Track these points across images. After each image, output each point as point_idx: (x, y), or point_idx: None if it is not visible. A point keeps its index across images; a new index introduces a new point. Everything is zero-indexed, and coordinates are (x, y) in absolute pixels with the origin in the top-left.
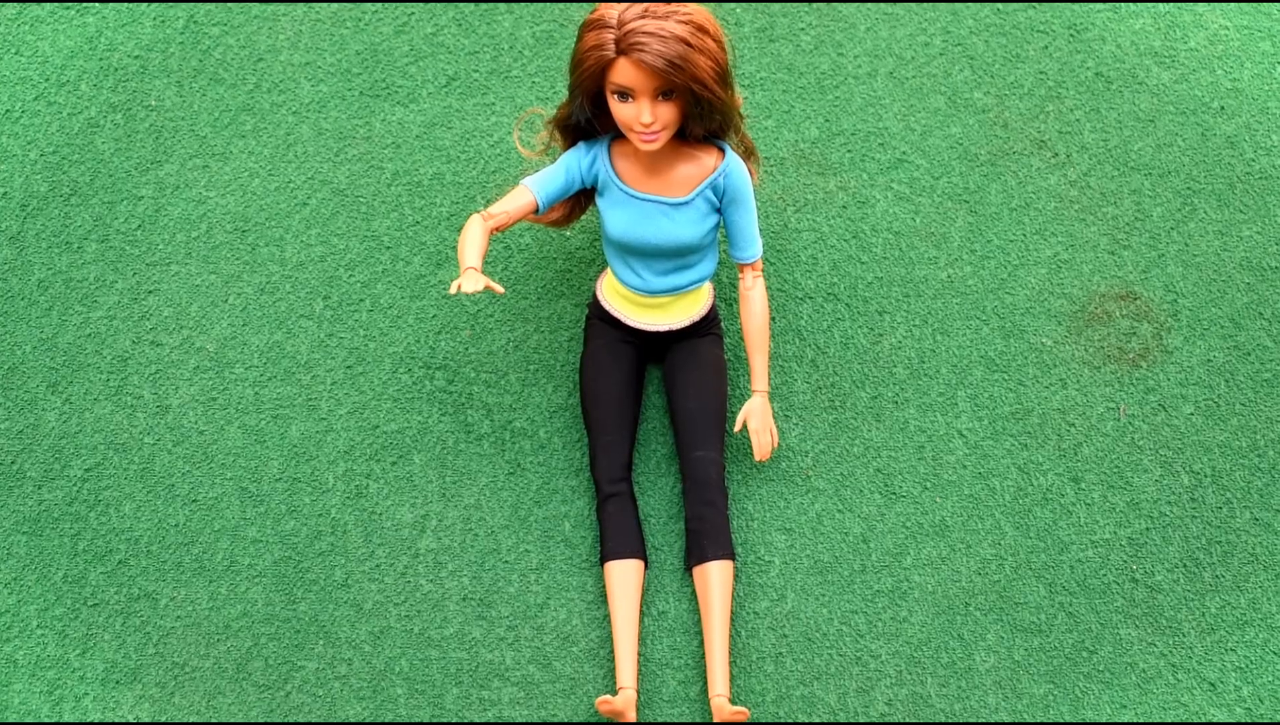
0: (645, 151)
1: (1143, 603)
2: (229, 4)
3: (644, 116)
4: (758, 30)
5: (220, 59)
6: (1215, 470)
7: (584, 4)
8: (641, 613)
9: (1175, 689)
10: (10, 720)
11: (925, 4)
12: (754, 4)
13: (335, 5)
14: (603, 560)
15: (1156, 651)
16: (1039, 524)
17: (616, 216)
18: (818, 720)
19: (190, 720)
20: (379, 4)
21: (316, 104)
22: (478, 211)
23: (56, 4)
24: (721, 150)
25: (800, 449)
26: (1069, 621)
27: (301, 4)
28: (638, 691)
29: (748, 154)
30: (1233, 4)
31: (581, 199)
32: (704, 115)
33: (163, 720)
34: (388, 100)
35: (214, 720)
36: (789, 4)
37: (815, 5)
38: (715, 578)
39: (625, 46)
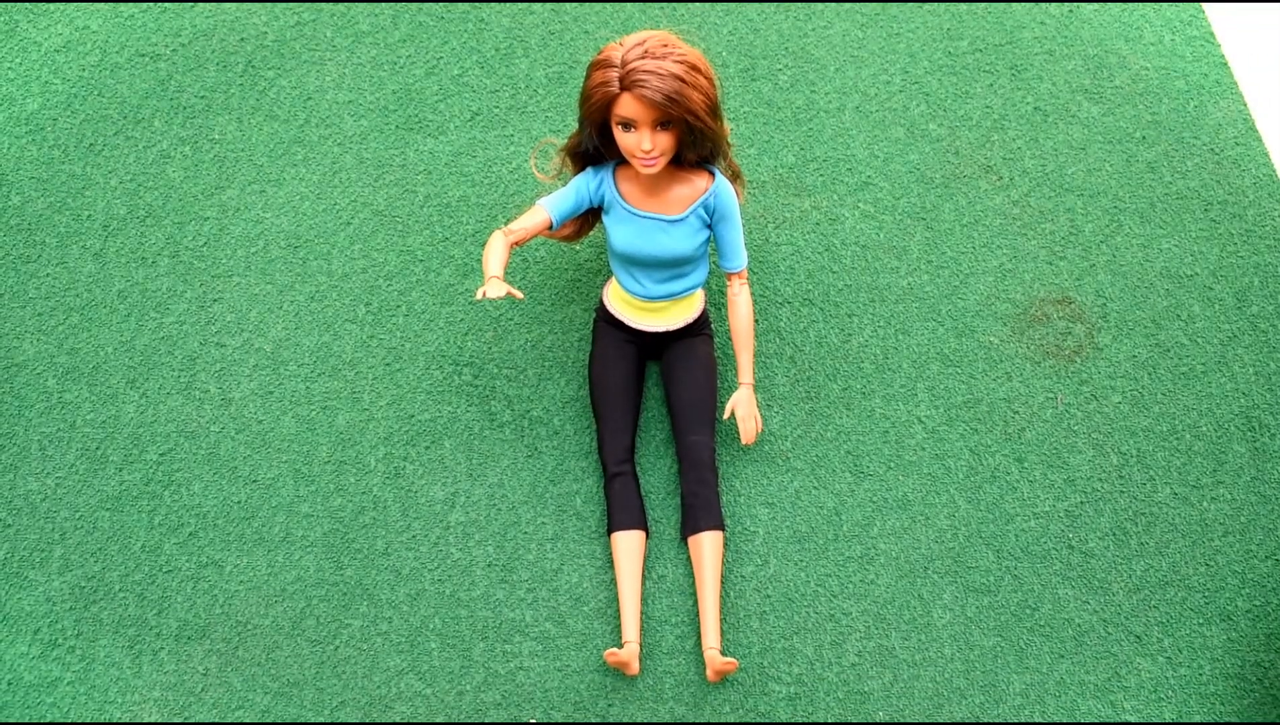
0: (645, 175)
1: (1078, 566)
2: (282, 50)
3: (644, 144)
4: (741, 71)
5: (275, 98)
6: (1140, 451)
7: (591, 47)
8: (643, 577)
9: (1106, 641)
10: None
11: (886, 46)
12: (739, 48)
13: (374, 51)
14: (610, 531)
15: (1090, 608)
16: (988, 498)
17: (620, 232)
18: (797, 669)
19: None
20: (412, 49)
21: (358, 137)
22: (499, 228)
23: (133, 53)
24: (712, 174)
25: (780, 434)
26: (1014, 583)
27: (344, 50)
28: (640, 644)
29: (734, 177)
30: (1152, 47)
31: (590, 217)
32: (696, 143)
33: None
34: (420, 133)
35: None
36: (769, 48)
37: (791, 49)
38: (707, 546)
39: (628, 83)
